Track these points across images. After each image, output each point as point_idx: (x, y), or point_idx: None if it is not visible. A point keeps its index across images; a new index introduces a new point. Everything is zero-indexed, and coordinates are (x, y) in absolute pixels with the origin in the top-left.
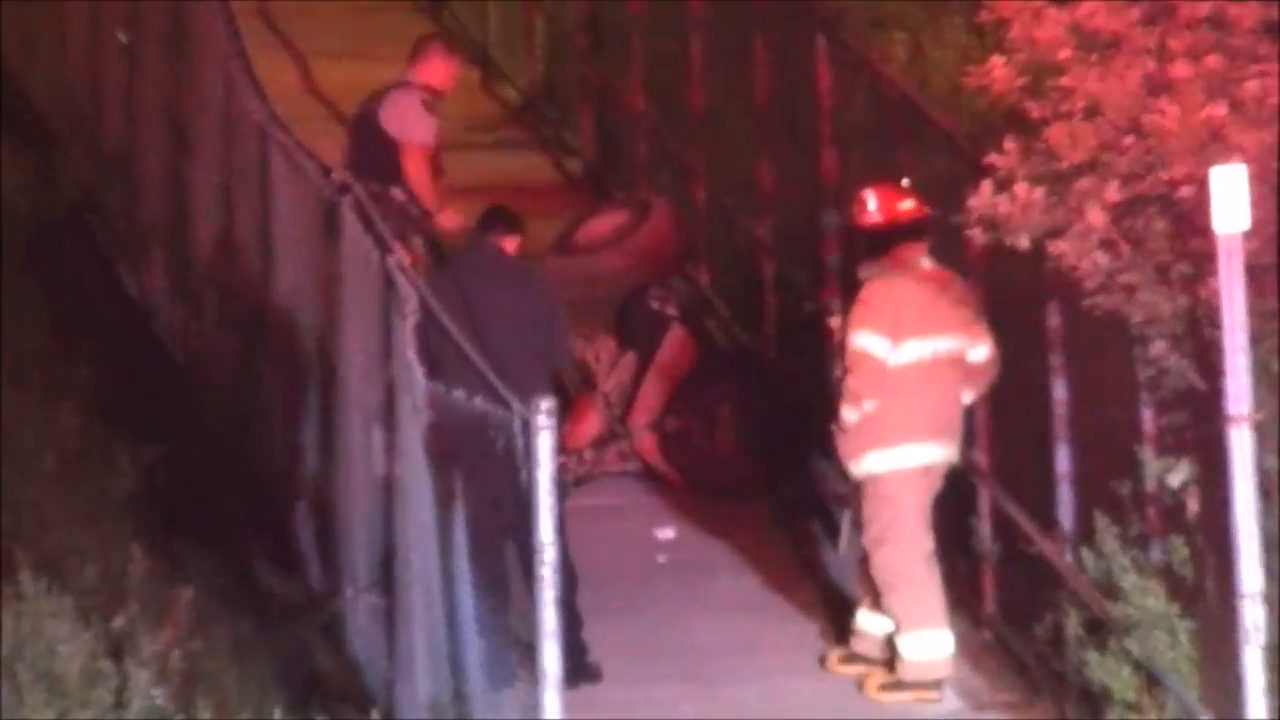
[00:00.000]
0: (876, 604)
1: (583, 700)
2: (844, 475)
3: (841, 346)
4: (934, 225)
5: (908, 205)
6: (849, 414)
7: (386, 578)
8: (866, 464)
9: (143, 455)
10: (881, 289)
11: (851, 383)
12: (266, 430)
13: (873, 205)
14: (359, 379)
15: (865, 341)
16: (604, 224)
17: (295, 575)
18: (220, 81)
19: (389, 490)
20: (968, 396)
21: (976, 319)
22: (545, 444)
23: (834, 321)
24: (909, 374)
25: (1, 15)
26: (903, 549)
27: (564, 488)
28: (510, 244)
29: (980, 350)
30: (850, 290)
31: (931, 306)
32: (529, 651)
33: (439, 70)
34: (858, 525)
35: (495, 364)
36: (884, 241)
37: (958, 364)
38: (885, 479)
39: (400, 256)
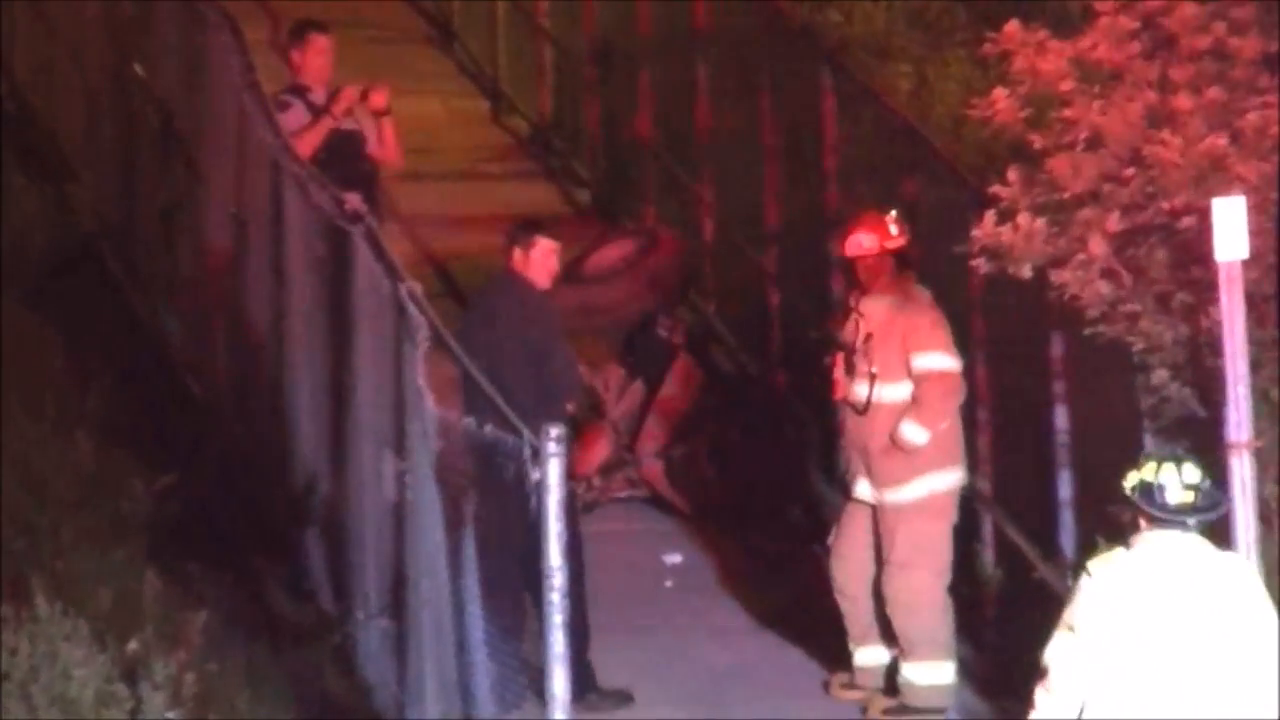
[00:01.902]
0: (875, 634)
1: None
2: (862, 501)
3: (859, 374)
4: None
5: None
6: (922, 435)
7: (397, 602)
8: (923, 486)
9: (156, 481)
10: (935, 311)
11: (940, 404)
12: (280, 456)
13: (895, 230)
14: (370, 405)
15: (946, 361)
16: (612, 254)
17: (307, 600)
18: (234, 113)
19: (400, 515)
20: None
21: None
22: (555, 471)
23: (838, 349)
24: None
25: (16, 46)
26: (933, 575)
27: (574, 512)
28: (518, 257)
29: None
30: (843, 313)
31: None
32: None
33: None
34: (887, 547)
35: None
36: (902, 265)
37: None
38: (938, 500)
39: (412, 285)
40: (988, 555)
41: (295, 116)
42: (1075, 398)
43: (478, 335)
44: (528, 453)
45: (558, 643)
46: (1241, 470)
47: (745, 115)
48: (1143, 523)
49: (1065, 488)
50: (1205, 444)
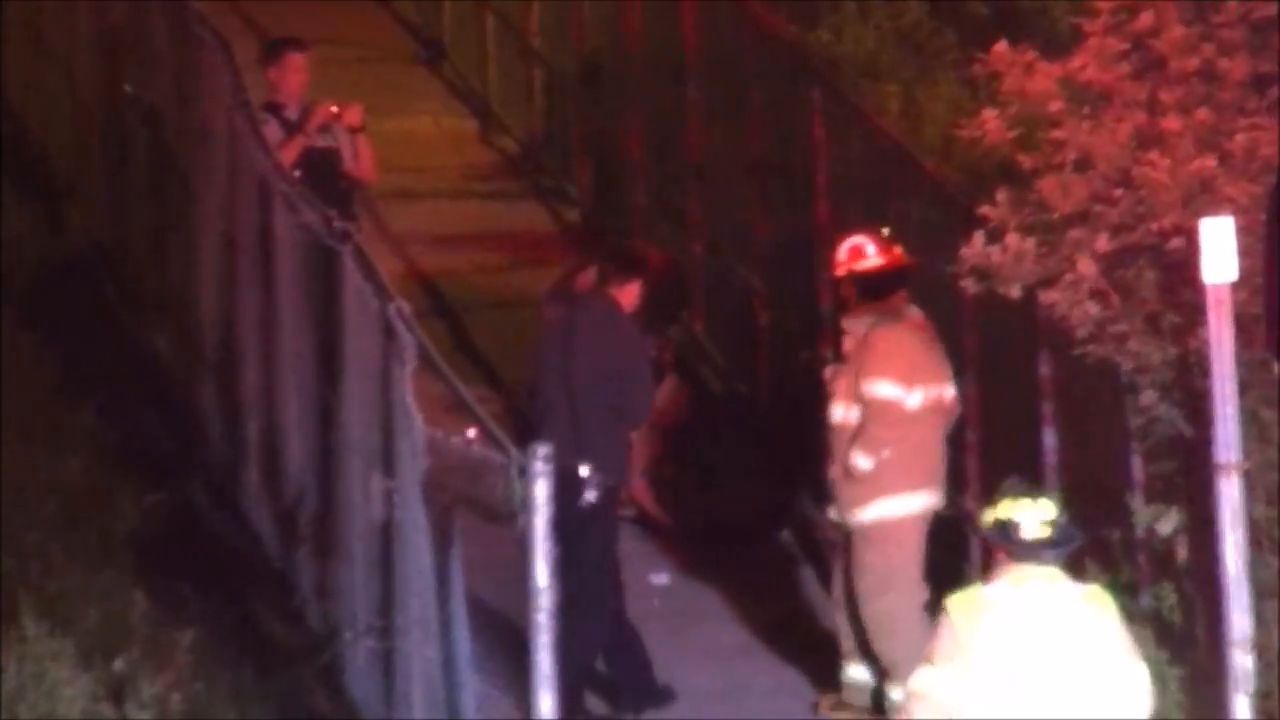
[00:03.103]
0: (861, 653)
1: None
2: (836, 522)
3: (838, 395)
4: (917, 273)
5: (898, 252)
6: (865, 462)
7: (385, 622)
8: (875, 511)
9: (144, 500)
10: (893, 337)
11: (877, 431)
12: (269, 475)
13: (872, 250)
14: (359, 424)
15: (888, 390)
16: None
17: (295, 619)
18: (224, 131)
19: (388, 535)
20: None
21: (946, 360)
22: (541, 490)
23: (829, 371)
24: (918, 421)
25: (9, 64)
26: (905, 597)
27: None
28: (629, 292)
29: (952, 390)
30: (840, 339)
31: (929, 353)
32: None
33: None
34: (855, 573)
35: (574, 410)
36: (884, 287)
37: (948, 409)
38: (893, 525)
39: (401, 303)
40: (975, 576)
41: (270, 134)
42: (1064, 418)
43: (552, 355)
44: (515, 472)
45: (544, 663)
46: (1230, 491)
47: (735, 135)
48: (1001, 557)
49: None
50: (1194, 464)
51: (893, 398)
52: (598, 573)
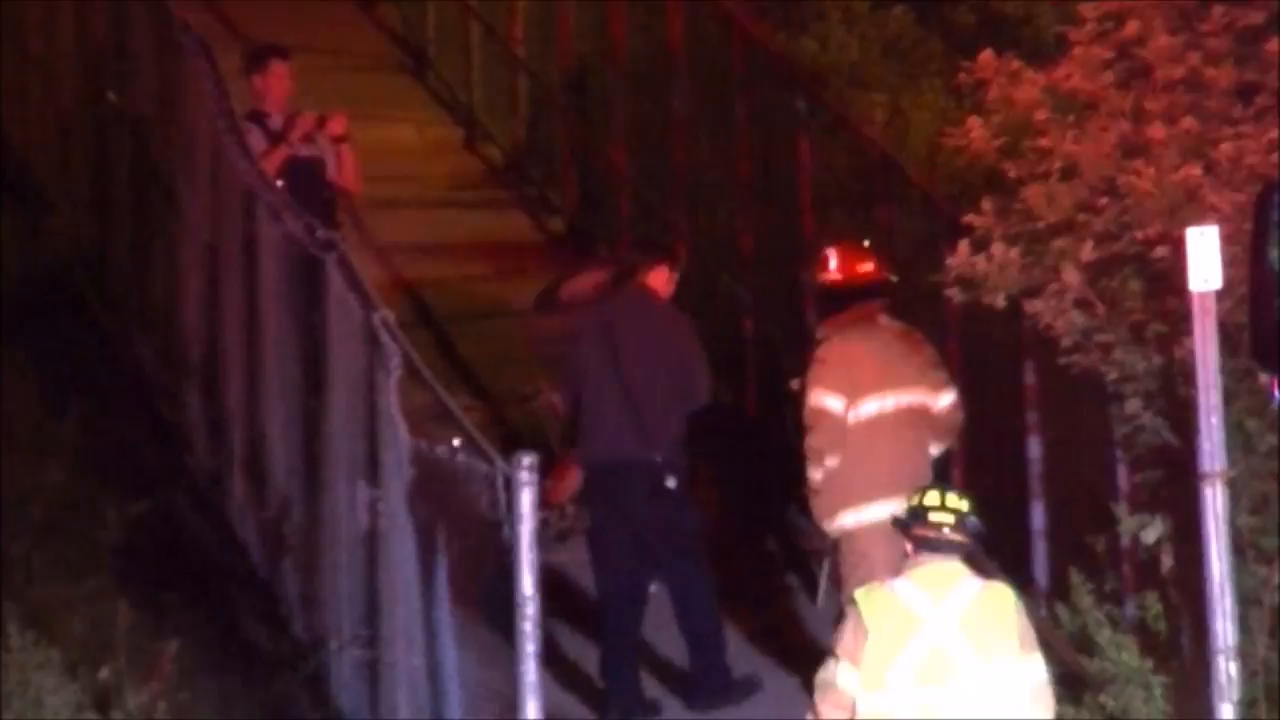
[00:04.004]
0: None
1: None
2: (820, 531)
3: (801, 406)
4: (894, 285)
5: (868, 265)
6: (814, 473)
7: (370, 631)
8: (839, 522)
9: (129, 509)
10: (837, 348)
11: (811, 441)
12: (253, 484)
13: (834, 264)
14: (344, 433)
15: (823, 400)
16: (586, 282)
17: (280, 628)
18: (208, 140)
19: (373, 544)
20: (936, 448)
21: (937, 370)
22: (527, 499)
23: (795, 384)
24: (870, 431)
25: None
26: None
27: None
28: (659, 276)
29: (943, 399)
30: (809, 350)
31: (889, 362)
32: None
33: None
34: (835, 581)
35: (633, 404)
36: (843, 299)
37: (921, 417)
38: (858, 535)
39: (385, 313)
40: None
41: (253, 143)
42: (1048, 427)
43: (594, 359)
44: (500, 481)
45: (530, 671)
46: (1214, 500)
47: (720, 144)
48: (909, 549)
49: (1038, 517)
50: (1178, 473)
51: (825, 408)
52: (695, 553)
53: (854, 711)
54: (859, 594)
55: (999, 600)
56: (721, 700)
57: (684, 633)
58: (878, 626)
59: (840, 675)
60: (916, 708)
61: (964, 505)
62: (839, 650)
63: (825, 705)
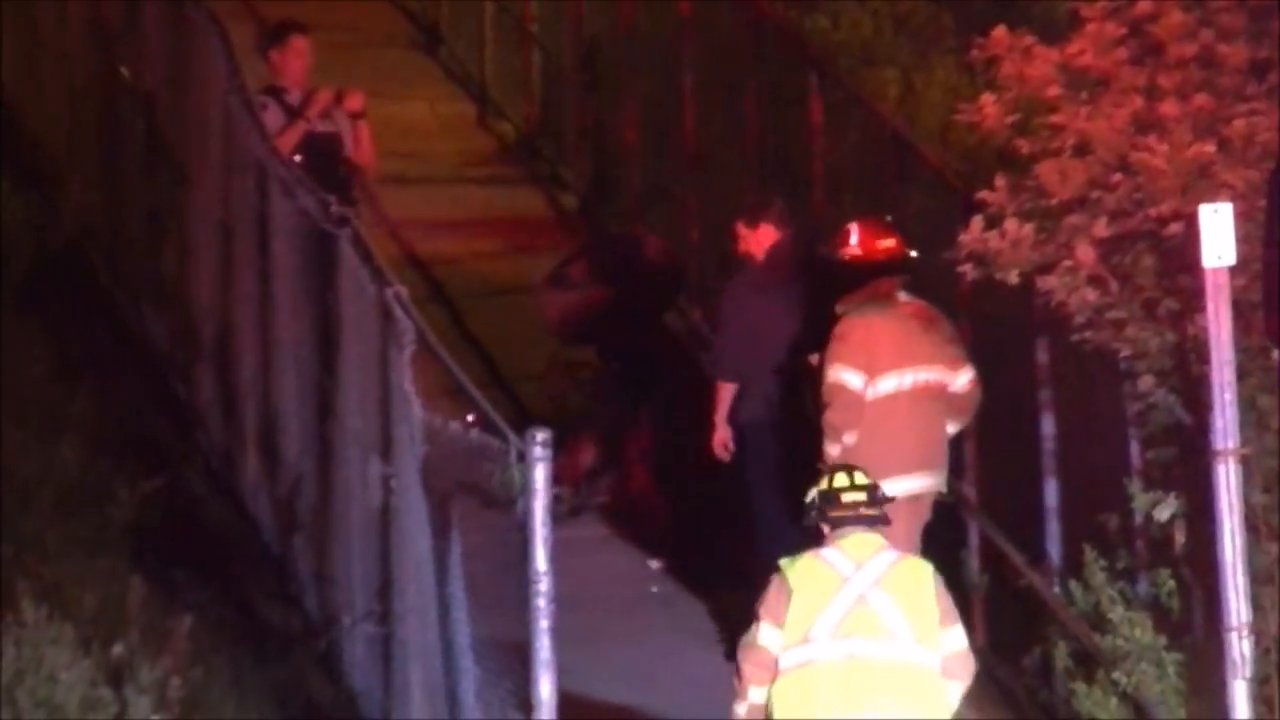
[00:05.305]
0: None
1: None
2: None
3: (820, 382)
4: (914, 262)
5: (889, 242)
6: (831, 448)
7: (383, 608)
8: None
9: (142, 487)
10: (857, 324)
11: (830, 417)
12: (266, 461)
13: (854, 239)
14: (356, 410)
15: (841, 375)
16: (598, 258)
17: (293, 605)
18: (220, 116)
19: (386, 521)
20: (953, 426)
21: (955, 348)
22: (540, 475)
23: (813, 359)
24: (888, 407)
25: (1, 50)
26: None
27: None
28: (762, 235)
29: (961, 378)
30: (829, 326)
31: (907, 339)
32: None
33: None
34: None
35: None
36: (862, 275)
37: (939, 394)
38: None
39: (399, 288)
40: (974, 562)
41: (271, 118)
42: (1061, 404)
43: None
44: (514, 456)
45: (544, 648)
46: (1227, 478)
47: (732, 121)
48: (825, 529)
49: (1051, 494)
50: (1192, 451)
51: (845, 384)
52: None
53: (776, 668)
54: (784, 562)
55: (916, 571)
56: None
57: None
58: (801, 586)
59: (762, 635)
60: (841, 656)
61: (870, 480)
62: (761, 612)
63: (748, 665)
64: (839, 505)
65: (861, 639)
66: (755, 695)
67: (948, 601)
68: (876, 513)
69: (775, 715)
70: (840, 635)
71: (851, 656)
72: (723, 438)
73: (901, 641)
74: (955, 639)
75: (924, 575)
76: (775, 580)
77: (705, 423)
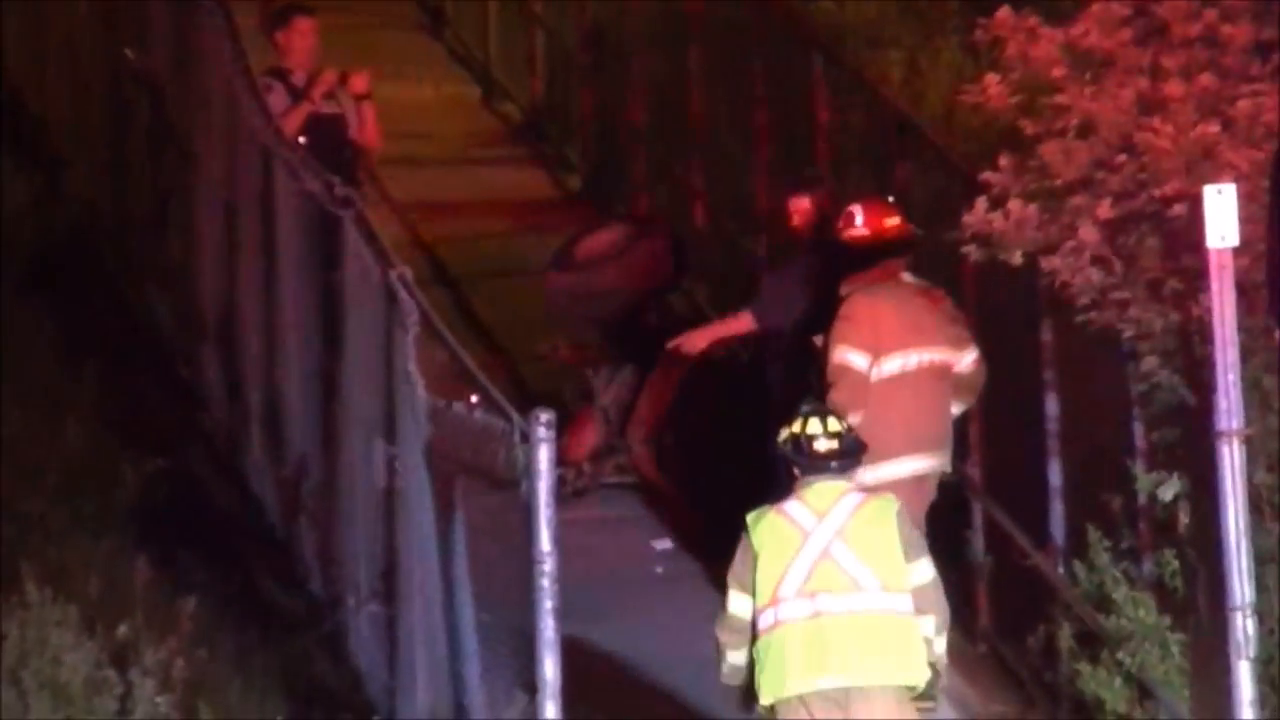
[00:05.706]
0: None
1: (584, 712)
2: None
3: (825, 362)
4: (918, 242)
5: (893, 221)
6: None
7: (388, 589)
8: (860, 478)
9: (147, 468)
10: (863, 303)
11: (835, 396)
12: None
13: (860, 219)
14: (361, 391)
15: (846, 356)
16: (602, 240)
17: (298, 586)
18: (225, 98)
19: (390, 502)
20: (958, 406)
21: (959, 328)
22: (544, 456)
23: (818, 339)
24: (893, 387)
25: (8, 33)
26: None
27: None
28: (802, 210)
29: (966, 358)
30: (834, 306)
31: (913, 319)
32: None
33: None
34: None
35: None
36: (868, 256)
37: (944, 375)
38: (883, 490)
39: (403, 270)
40: (978, 543)
41: (276, 99)
42: (1065, 385)
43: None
44: (518, 438)
45: (549, 628)
46: (1232, 458)
47: (737, 103)
48: (796, 473)
49: (1055, 475)
50: (1195, 431)
51: (850, 363)
52: None
53: (751, 631)
54: (750, 518)
55: (880, 510)
56: None
57: None
58: (763, 545)
59: (731, 603)
60: (809, 614)
61: (841, 426)
62: (730, 578)
63: (722, 632)
64: (810, 453)
65: (827, 595)
66: (733, 658)
67: (913, 535)
68: (846, 459)
69: (757, 676)
70: (806, 593)
71: (818, 614)
72: (695, 344)
73: (868, 592)
74: (922, 571)
75: (886, 514)
76: (742, 541)
77: (711, 405)
